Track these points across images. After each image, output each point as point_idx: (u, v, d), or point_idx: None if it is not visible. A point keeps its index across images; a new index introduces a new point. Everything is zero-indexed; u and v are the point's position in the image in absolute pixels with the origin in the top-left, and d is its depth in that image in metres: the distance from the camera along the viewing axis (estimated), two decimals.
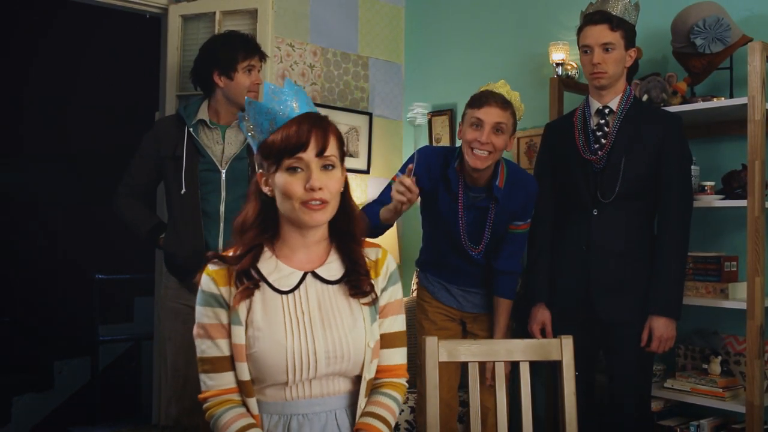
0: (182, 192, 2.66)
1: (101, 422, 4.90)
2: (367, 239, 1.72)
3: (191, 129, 2.69)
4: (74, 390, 5.44)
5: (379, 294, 1.68)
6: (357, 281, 1.63)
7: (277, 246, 1.64)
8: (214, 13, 3.23)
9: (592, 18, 2.60)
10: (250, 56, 2.73)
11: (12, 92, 6.21)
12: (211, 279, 1.59)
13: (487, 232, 2.67)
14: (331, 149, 1.58)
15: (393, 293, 1.71)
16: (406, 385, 1.74)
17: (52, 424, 5.10)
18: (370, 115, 4.21)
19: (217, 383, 1.58)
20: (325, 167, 1.57)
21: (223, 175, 2.69)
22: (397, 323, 1.72)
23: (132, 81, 5.82)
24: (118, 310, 5.82)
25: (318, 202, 1.55)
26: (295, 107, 1.58)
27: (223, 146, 2.72)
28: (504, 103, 2.54)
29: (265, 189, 1.60)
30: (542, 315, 2.72)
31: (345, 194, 1.66)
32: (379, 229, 2.57)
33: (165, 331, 2.82)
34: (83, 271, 5.55)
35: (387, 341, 1.69)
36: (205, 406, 1.60)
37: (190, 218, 2.68)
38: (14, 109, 6.32)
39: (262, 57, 2.80)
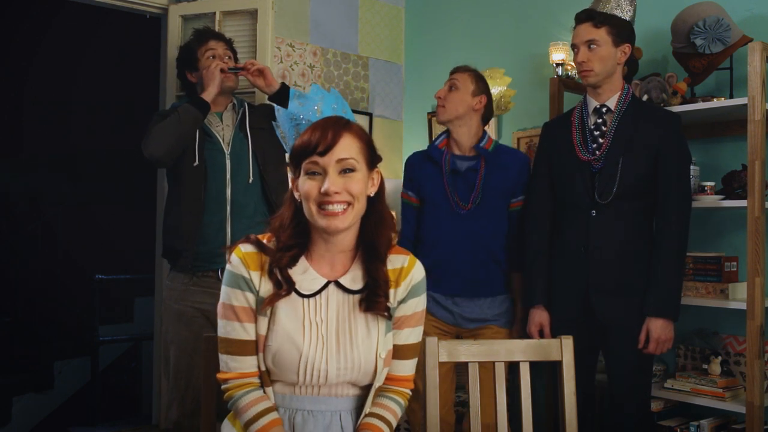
0: (194, 164, 2.68)
1: (101, 422, 4.90)
2: (398, 246, 1.69)
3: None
4: (74, 390, 5.45)
5: (395, 305, 1.65)
6: (374, 302, 1.60)
7: (310, 250, 1.63)
8: (214, 13, 3.23)
9: (578, 17, 2.62)
10: (204, 42, 2.81)
11: (12, 92, 6.21)
12: (241, 261, 1.58)
13: (477, 190, 2.75)
14: (348, 152, 1.55)
15: (412, 305, 1.68)
16: (410, 394, 1.74)
17: (52, 424, 5.11)
18: (370, 115, 4.21)
19: (239, 366, 1.58)
20: (344, 171, 1.55)
21: (228, 158, 2.75)
22: (413, 335, 1.70)
23: (132, 81, 5.82)
24: (118, 310, 5.83)
25: (335, 207, 1.53)
26: (318, 112, 1.57)
27: (222, 127, 2.81)
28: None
29: (296, 194, 1.60)
30: (540, 317, 2.69)
31: (376, 201, 1.63)
32: None
33: (168, 334, 2.76)
34: (83, 271, 5.56)
35: (400, 352, 1.68)
36: (224, 386, 1.61)
37: (194, 197, 2.69)
38: (14, 109, 6.32)
39: (221, 39, 2.87)
